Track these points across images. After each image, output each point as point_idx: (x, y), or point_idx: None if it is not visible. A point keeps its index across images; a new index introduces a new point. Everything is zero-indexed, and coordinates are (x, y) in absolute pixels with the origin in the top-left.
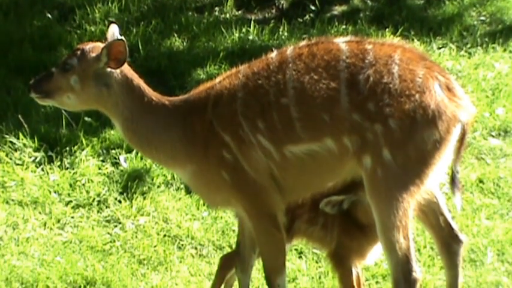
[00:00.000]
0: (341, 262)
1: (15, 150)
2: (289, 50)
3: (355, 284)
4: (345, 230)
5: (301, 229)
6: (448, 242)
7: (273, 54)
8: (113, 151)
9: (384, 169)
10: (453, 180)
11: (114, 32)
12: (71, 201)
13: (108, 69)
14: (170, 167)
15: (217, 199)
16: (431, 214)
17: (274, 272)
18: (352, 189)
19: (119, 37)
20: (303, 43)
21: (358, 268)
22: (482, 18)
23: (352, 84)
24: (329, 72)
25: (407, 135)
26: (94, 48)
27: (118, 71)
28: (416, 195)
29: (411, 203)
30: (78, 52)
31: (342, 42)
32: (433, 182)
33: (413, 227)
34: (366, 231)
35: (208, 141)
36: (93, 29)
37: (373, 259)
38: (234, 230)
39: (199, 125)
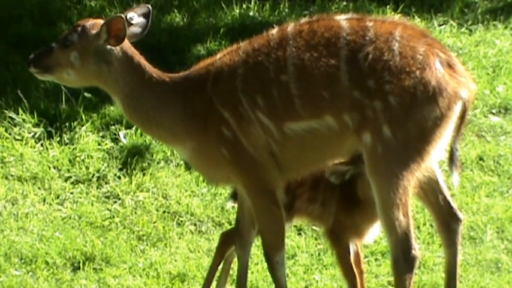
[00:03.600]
0: (337, 239)
1: (15, 125)
2: (290, 26)
3: (353, 261)
4: (342, 207)
5: (302, 208)
6: (447, 220)
7: (274, 31)
8: (113, 127)
9: (384, 146)
10: (452, 158)
11: (135, 13)
12: (70, 177)
13: (109, 47)
14: (170, 144)
15: (216, 175)
16: (430, 192)
17: (273, 249)
18: (355, 161)
19: (129, 16)
20: (304, 20)
21: (357, 246)
22: None
23: (352, 61)
24: (329, 50)
25: (407, 112)
26: (95, 25)
27: (118, 48)
28: (416, 173)
29: (411, 180)
30: (79, 28)
31: (343, 19)
32: (433, 159)
33: (413, 205)
34: (362, 209)
35: (207, 117)
36: (93, 4)
37: (372, 238)
38: (233, 207)
39: (199, 102)
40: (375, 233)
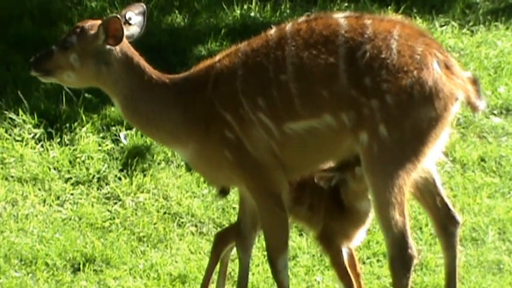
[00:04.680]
0: (329, 243)
1: (15, 126)
2: (288, 26)
3: (348, 264)
4: (330, 212)
5: (289, 208)
6: (444, 223)
7: (272, 31)
8: (113, 128)
9: (380, 145)
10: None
11: (132, 13)
12: (70, 178)
13: (108, 47)
14: (171, 146)
15: (218, 177)
16: (428, 195)
17: (276, 251)
18: (340, 167)
19: (127, 15)
20: (302, 19)
21: (351, 249)
22: None
23: (351, 59)
24: (327, 48)
25: (403, 112)
26: (93, 26)
27: (118, 48)
28: (412, 173)
29: (407, 180)
30: (78, 30)
31: (341, 17)
32: (430, 160)
33: (414, 206)
34: (348, 213)
35: (209, 120)
36: (93, 5)
37: (359, 242)
38: (234, 208)
39: (199, 104)
40: (361, 237)
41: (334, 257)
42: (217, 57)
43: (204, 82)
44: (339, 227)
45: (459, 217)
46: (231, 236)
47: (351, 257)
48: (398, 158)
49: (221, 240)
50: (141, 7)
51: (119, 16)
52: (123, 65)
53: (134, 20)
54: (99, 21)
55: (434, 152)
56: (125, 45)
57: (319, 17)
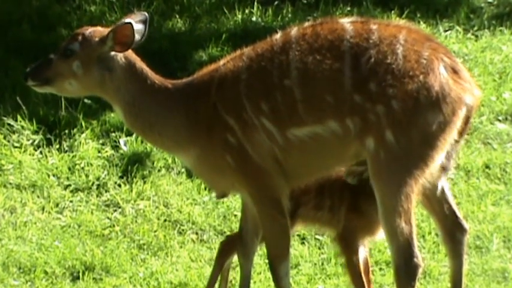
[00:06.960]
0: (347, 245)
1: (13, 132)
2: (294, 30)
3: (362, 269)
4: (353, 209)
5: (309, 215)
6: (452, 230)
7: (278, 35)
8: (113, 134)
9: (387, 152)
10: (446, 162)
11: (133, 20)
12: (69, 185)
13: (112, 53)
14: (173, 152)
15: (221, 183)
16: (435, 201)
17: (277, 258)
18: None
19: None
20: (307, 23)
21: (366, 253)
22: (490, 0)
23: (356, 65)
24: (332, 53)
25: (410, 117)
26: (95, 32)
27: (121, 54)
28: (419, 180)
29: (414, 187)
30: (80, 37)
31: (347, 22)
32: (438, 166)
33: (418, 213)
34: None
35: (212, 124)
36: (92, 10)
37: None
38: (235, 215)
39: (203, 108)
40: None
41: (351, 258)
42: (222, 62)
43: (208, 86)
44: (366, 221)
45: (466, 225)
46: (236, 245)
47: (366, 262)
48: (405, 165)
49: (225, 250)
50: (142, 15)
51: (131, 22)
52: (126, 71)
53: (135, 27)
54: (99, 27)
55: (443, 157)
56: (128, 51)
57: (325, 21)
